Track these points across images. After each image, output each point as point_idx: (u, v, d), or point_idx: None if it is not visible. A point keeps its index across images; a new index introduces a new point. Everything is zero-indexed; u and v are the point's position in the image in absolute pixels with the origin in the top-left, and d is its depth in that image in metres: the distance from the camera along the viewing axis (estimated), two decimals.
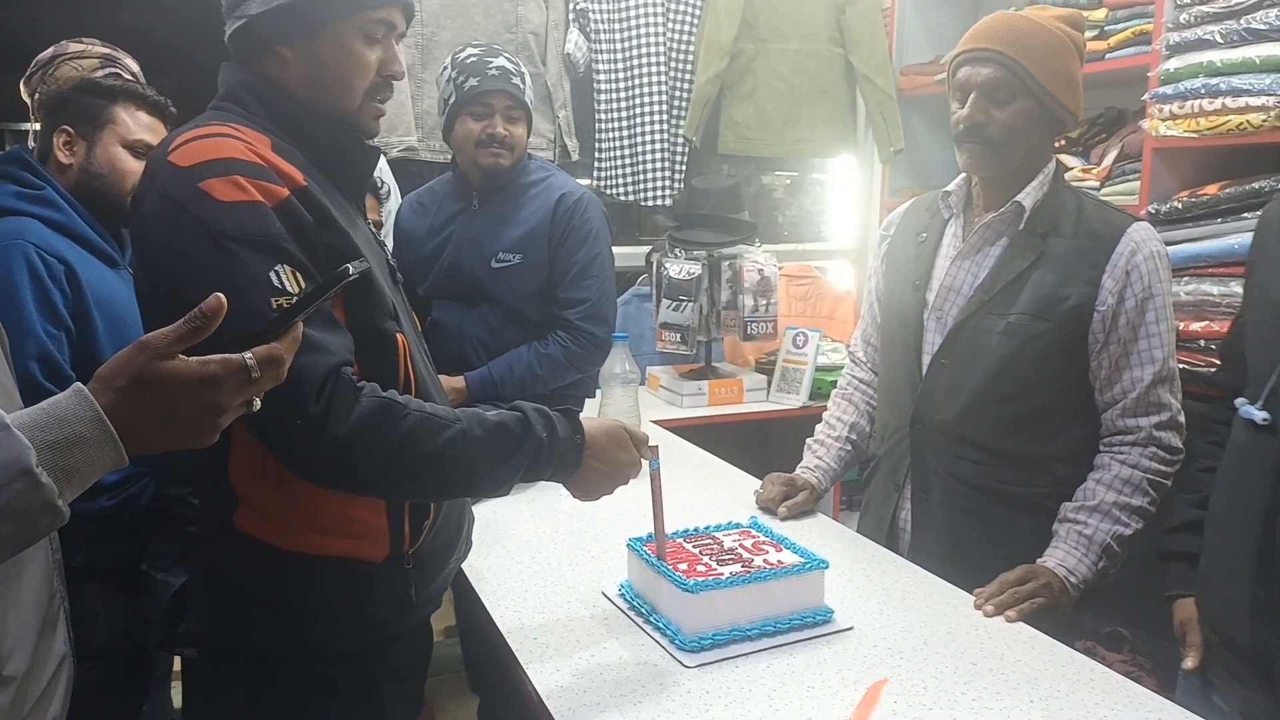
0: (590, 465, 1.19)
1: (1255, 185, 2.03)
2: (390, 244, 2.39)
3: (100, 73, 1.76)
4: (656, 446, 1.30)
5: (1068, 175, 2.52)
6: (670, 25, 3.08)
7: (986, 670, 1.20)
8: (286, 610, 1.11)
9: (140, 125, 1.63)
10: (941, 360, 1.61)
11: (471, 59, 2.03)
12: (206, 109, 1.18)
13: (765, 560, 1.34)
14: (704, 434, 2.53)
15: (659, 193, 3.09)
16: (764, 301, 2.70)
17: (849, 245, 3.55)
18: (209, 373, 0.75)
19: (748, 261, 2.70)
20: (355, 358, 1.08)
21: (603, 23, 3.00)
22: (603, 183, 3.10)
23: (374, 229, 1.31)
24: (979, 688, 1.15)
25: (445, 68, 2.08)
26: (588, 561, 1.54)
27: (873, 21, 3.18)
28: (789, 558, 1.35)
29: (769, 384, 2.87)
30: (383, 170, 2.59)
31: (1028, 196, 1.56)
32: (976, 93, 1.54)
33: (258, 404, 0.81)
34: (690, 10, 3.10)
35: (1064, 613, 1.40)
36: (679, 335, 2.70)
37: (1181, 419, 1.53)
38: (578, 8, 2.96)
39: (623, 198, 3.10)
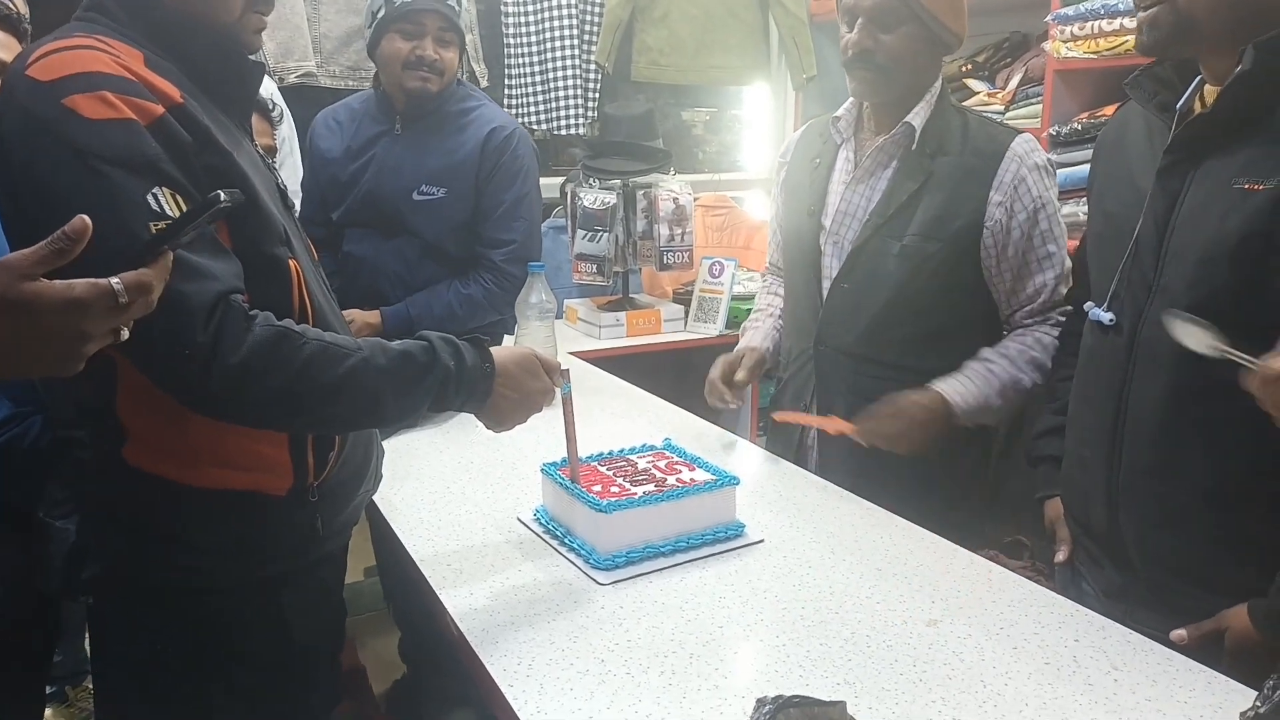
0: (501, 394, 1.17)
1: None
2: (289, 171, 2.29)
3: None
4: (567, 370, 1.30)
5: (973, 100, 2.58)
6: None
7: (891, 575, 1.24)
8: (184, 545, 1.08)
9: (3, 45, 1.51)
10: (841, 284, 1.64)
11: None
12: (70, 20, 1.09)
13: (679, 479, 1.35)
14: (623, 364, 2.54)
15: (572, 121, 3.03)
16: (679, 231, 2.69)
17: (763, 174, 3.55)
18: (74, 296, 0.71)
19: (663, 190, 2.68)
20: (245, 286, 1.04)
21: None
22: (514, 111, 3.02)
23: (263, 153, 1.24)
24: (883, 591, 1.19)
25: None
26: (503, 488, 1.54)
27: None
28: (701, 475, 1.36)
29: (686, 314, 2.88)
30: (273, 94, 2.47)
31: (915, 117, 1.58)
32: (863, 18, 1.54)
33: (125, 333, 0.77)
34: None
35: (936, 435, 1.48)
36: (595, 266, 2.67)
37: None
38: None
39: (535, 126, 3.04)
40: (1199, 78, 1.12)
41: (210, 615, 1.10)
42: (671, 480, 1.34)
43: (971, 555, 1.30)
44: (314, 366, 1.00)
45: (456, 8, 1.94)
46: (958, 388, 1.51)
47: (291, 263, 1.10)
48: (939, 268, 1.56)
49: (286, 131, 2.44)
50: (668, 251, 2.70)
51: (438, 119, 1.99)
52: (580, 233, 2.66)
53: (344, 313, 1.91)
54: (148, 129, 0.96)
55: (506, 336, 2.17)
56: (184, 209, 0.95)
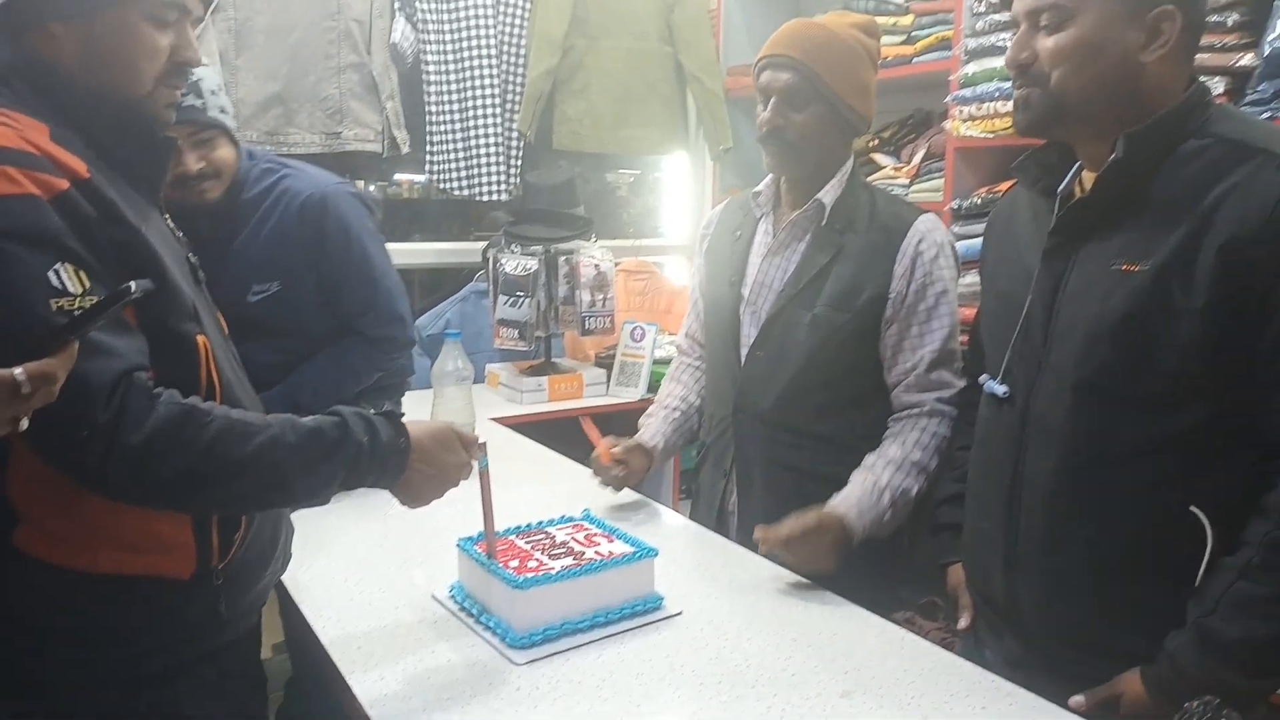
0: (416, 469, 1.16)
1: None
2: None
3: None
4: (485, 444, 1.29)
5: (880, 174, 2.69)
6: (501, 18, 3.04)
7: (806, 645, 1.25)
8: (80, 636, 1.03)
9: None
10: (757, 352, 1.68)
11: None
12: None
13: (597, 552, 1.34)
14: (545, 430, 2.52)
15: (494, 187, 3.05)
16: (601, 296, 2.71)
17: (683, 241, 3.62)
18: None
19: (584, 257, 2.71)
20: (150, 363, 1.01)
21: (430, 13, 2.92)
22: (436, 176, 3.03)
23: (174, 227, 1.22)
24: (799, 662, 1.20)
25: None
26: (418, 565, 1.51)
27: (700, 23, 3.25)
28: (620, 548, 1.36)
29: (608, 378, 2.90)
30: None
31: (826, 194, 1.64)
32: (776, 97, 1.61)
33: (25, 423, 0.75)
34: (520, 3, 3.07)
35: (839, 557, 1.47)
36: (517, 331, 2.67)
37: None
38: None
39: (457, 192, 3.05)
40: (1079, 164, 1.20)
41: (104, 712, 1.05)
42: (590, 553, 1.34)
43: (884, 623, 1.32)
44: (220, 445, 0.98)
45: (200, 102, 1.70)
46: (855, 509, 1.51)
47: (200, 339, 1.08)
48: (848, 338, 1.61)
49: None
50: (589, 317, 2.72)
51: (242, 210, 1.81)
52: (502, 298, 2.66)
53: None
54: (50, 204, 0.94)
55: (410, 394, 2.14)
56: (87, 285, 0.93)
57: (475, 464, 1.27)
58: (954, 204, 2.37)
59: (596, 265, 2.70)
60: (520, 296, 2.64)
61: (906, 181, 2.61)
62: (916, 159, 2.62)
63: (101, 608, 1.02)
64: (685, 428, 1.88)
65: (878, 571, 1.63)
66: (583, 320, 2.71)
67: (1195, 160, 1.07)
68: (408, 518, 1.68)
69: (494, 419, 2.51)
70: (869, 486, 1.54)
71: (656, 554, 1.35)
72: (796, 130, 1.62)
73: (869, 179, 2.72)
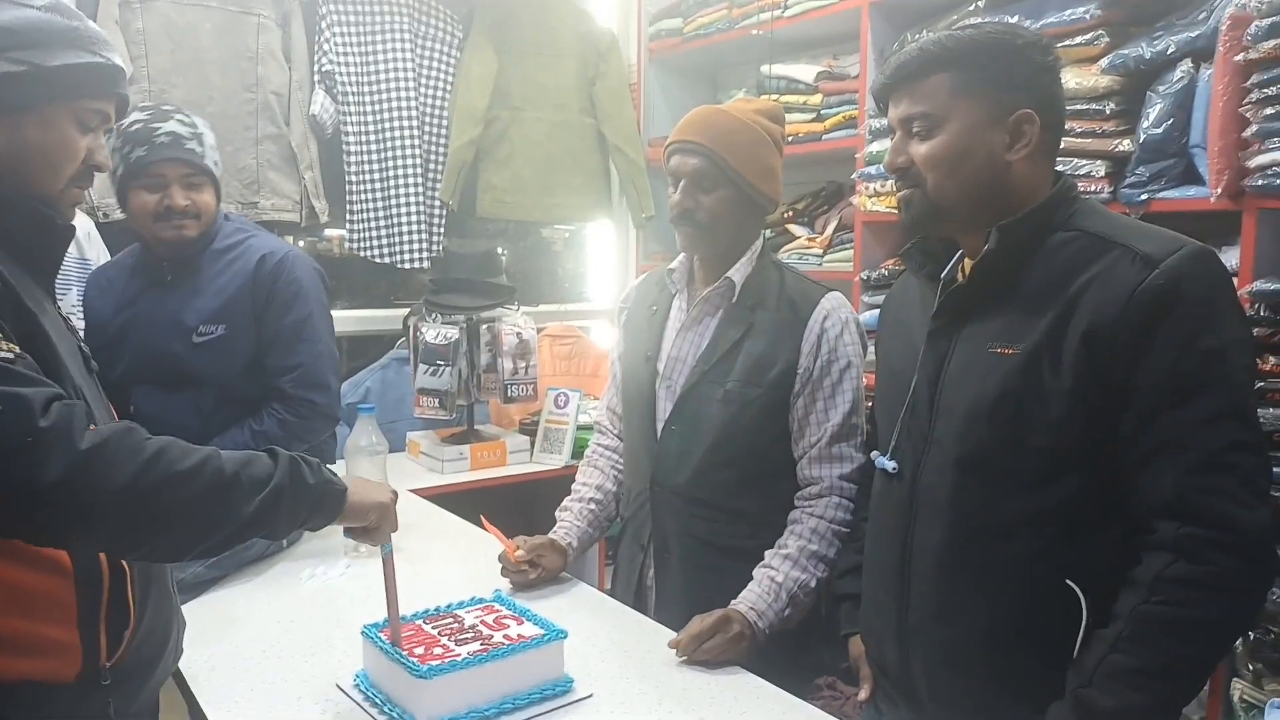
0: (357, 492, 1.17)
1: None
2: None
3: None
4: (389, 532, 1.27)
5: (795, 244, 2.78)
6: (422, 90, 3.08)
7: None
8: None
9: None
10: (672, 427, 1.70)
11: (137, 127, 1.86)
12: None
13: (505, 635, 1.33)
14: (468, 500, 2.49)
15: (415, 254, 3.06)
16: (523, 364, 2.72)
17: (608, 306, 3.66)
18: None
19: (506, 325, 2.71)
20: None
21: (350, 84, 2.95)
22: (356, 243, 3.02)
23: (67, 317, 1.20)
24: None
25: (111, 136, 1.87)
26: (324, 651, 1.47)
27: (620, 95, 3.34)
28: (529, 630, 1.35)
29: (532, 445, 2.89)
30: (90, 231, 2.39)
31: (737, 272, 1.69)
32: (685, 180, 1.67)
33: None
34: (442, 76, 3.12)
35: (750, 650, 1.48)
36: (437, 400, 2.65)
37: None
38: (323, 69, 2.89)
39: (378, 259, 3.04)
40: (960, 251, 1.27)
41: None
42: (498, 637, 1.32)
43: (794, 700, 1.33)
44: (166, 453, 0.97)
45: (200, 148, 1.89)
46: (755, 609, 1.53)
47: (91, 428, 1.05)
48: (759, 413, 1.64)
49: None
50: (512, 384, 2.71)
51: (205, 260, 1.94)
52: (422, 367, 2.64)
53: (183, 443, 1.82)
54: None
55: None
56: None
57: (379, 547, 1.25)
58: (863, 274, 2.45)
59: (519, 333, 2.71)
60: (441, 365, 2.63)
61: (820, 252, 2.70)
62: (829, 230, 2.71)
63: None
64: (602, 517, 1.87)
65: (800, 639, 1.64)
66: (505, 388, 2.70)
67: (1062, 251, 1.14)
68: (316, 597, 1.67)
69: (413, 490, 2.47)
70: (768, 585, 1.56)
71: (565, 636, 1.34)
72: (706, 212, 1.67)
73: (785, 249, 2.83)
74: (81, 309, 2.27)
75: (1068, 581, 1.11)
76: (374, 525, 1.21)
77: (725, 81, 3.31)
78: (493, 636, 1.33)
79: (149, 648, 1.12)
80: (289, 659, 1.44)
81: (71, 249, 2.27)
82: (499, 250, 2.91)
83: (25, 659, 1.00)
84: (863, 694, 1.41)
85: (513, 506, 2.62)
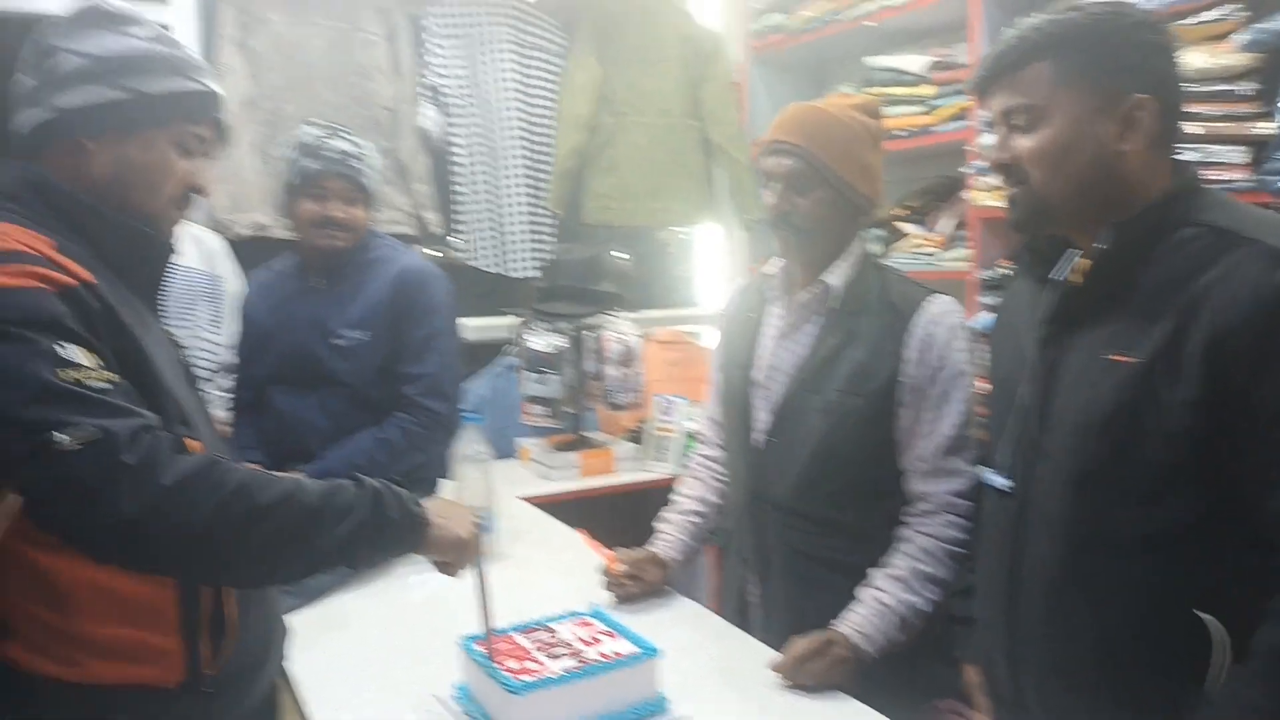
0: (440, 523, 1.16)
1: None
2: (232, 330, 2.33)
3: None
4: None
5: (907, 244, 2.66)
6: (528, 99, 3.12)
7: None
8: None
9: None
10: (771, 438, 1.65)
11: (311, 140, 2.03)
12: None
13: (600, 652, 1.32)
14: (577, 508, 2.51)
15: (525, 263, 3.10)
16: (627, 371, 2.72)
17: (716, 310, 3.61)
18: None
19: (610, 332, 2.72)
20: None
21: (457, 98, 3.01)
22: (468, 254, 3.09)
23: (173, 333, 1.26)
24: None
25: (287, 147, 2.06)
26: (428, 661, 1.48)
27: (725, 97, 3.29)
28: (623, 647, 1.33)
29: (641, 452, 2.88)
30: (213, 257, 2.52)
31: (833, 276, 1.63)
32: (781, 182, 1.61)
33: None
34: (546, 85, 3.15)
35: (854, 673, 1.42)
36: (545, 408, 2.69)
37: None
38: (430, 82, 2.97)
39: (489, 269, 3.10)
40: (1070, 251, 1.17)
41: None
42: (592, 654, 1.31)
43: None
44: (246, 488, 0.99)
45: (360, 167, 2.04)
46: (860, 632, 1.46)
47: (188, 443, 1.09)
48: (861, 424, 1.57)
49: (233, 286, 2.48)
50: (616, 391, 2.72)
51: (353, 269, 2.07)
52: (530, 375, 2.68)
53: (266, 474, 1.90)
54: (57, 295, 0.98)
55: (440, 481, 2.16)
56: (97, 362, 0.97)
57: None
58: (981, 274, 2.33)
59: (622, 340, 2.71)
60: (547, 373, 2.66)
61: (936, 251, 2.58)
62: (947, 227, 2.59)
63: (91, 719, 1.03)
64: (704, 529, 1.83)
65: (908, 661, 1.56)
66: (610, 395, 2.71)
67: (1184, 248, 1.04)
68: (423, 606, 1.70)
69: (523, 497, 2.50)
70: (876, 607, 1.48)
71: (658, 654, 1.32)
72: (802, 214, 1.61)
73: (896, 248, 2.72)
74: (212, 322, 2.40)
75: (1196, 611, 1.02)
76: (452, 560, 1.21)
77: (831, 76, 3.22)
78: (586, 653, 1.31)
79: (249, 657, 1.16)
80: (393, 667, 1.47)
81: (197, 264, 2.43)
82: (619, 255, 2.91)
83: (131, 665, 1.05)
84: None
85: (621, 514, 2.63)
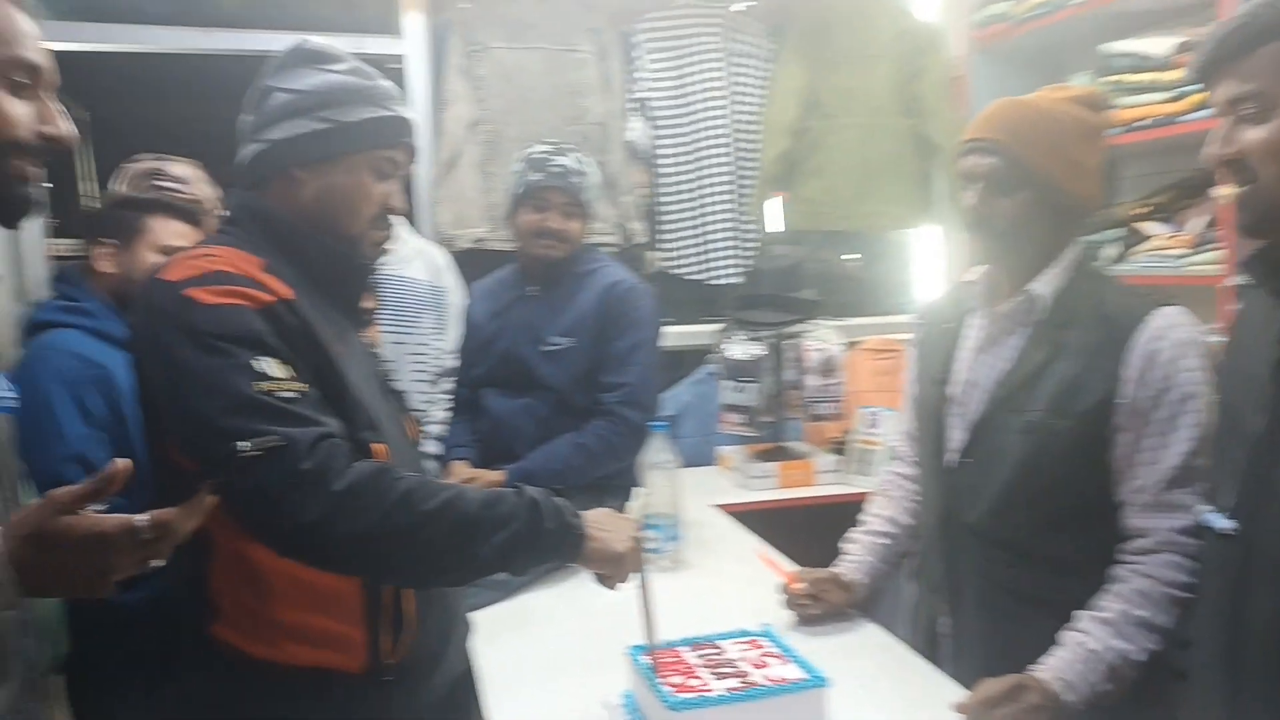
0: (597, 537, 1.18)
1: None
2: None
3: (143, 183, 1.94)
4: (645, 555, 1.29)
5: (1150, 244, 2.39)
6: (734, 107, 3.11)
7: None
8: None
9: (171, 232, 1.77)
10: (965, 459, 1.53)
11: (540, 155, 2.15)
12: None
13: (766, 675, 1.28)
14: (773, 519, 2.47)
15: (726, 270, 3.09)
16: (828, 381, 2.64)
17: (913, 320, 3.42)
18: (100, 531, 0.81)
19: (810, 340, 2.65)
20: None
21: (665, 110, 3.06)
22: (671, 262, 3.13)
23: (371, 343, 1.37)
24: None
25: (517, 160, 2.20)
26: (607, 666, 1.49)
27: (943, 92, 3.12)
28: (791, 673, 1.28)
29: (842, 465, 2.78)
30: (439, 270, 2.69)
31: (1042, 284, 1.48)
32: (981, 183, 1.49)
33: (157, 563, 0.85)
34: (754, 92, 3.13)
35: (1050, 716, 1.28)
36: (743, 417, 2.66)
37: None
38: (638, 96, 3.03)
39: (690, 276, 3.12)
40: None
41: None
42: (757, 676, 1.27)
43: None
44: (411, 496, 1.05)
45: (581, 184, 2.13)
46: (1064, 678, 1.32)
47: (379, 447, 1.18)
48: (1068, 448, 1.42)
49: (455, 296, 2.66)
50: (817, 402, 2.65)
51: (567, 279, 2.17)
52: (728, 383, 2.67)
53: (471, 471, 2.02)
54: (257, 312, 1.08)
55: (634, 489, 2.19)
56: (291, 374, 1.06)
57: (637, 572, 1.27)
58: (1238, 279, 2.04)
59: (823, 349, 2.63)
60: (746, 382, 2.63)
61: (1181, 253, 2.30)
62: (1195, 227, 2.30)
63: (282, 696, 1.13)
64: (894, 552, 1.74)
65: (1115, 716, 1.40)
66: (809, 406, 2.64)
67: None
68: (614, 609, 1.71)
69: (717, 505, 2.49)
70: (1080, 653, 1.33)
71: (826, 683, 1.26)
72: (1003, 218, 1.49)
73: (1134, 250, 2.45)
74: (436, 330, 2.58)
75: None
76: (610, 574, 1.22)
77: (1062, 67, 2.95)
78: (751, 674, 1.28)
79: (427, 649, 1.23)
80: (573, 670, 1.51)
81: (425, 277, 2.61)
82: (850, 257, 2.83)
83: (320, 649, 1.14)
84: None
85: (819, 528, 2.54)
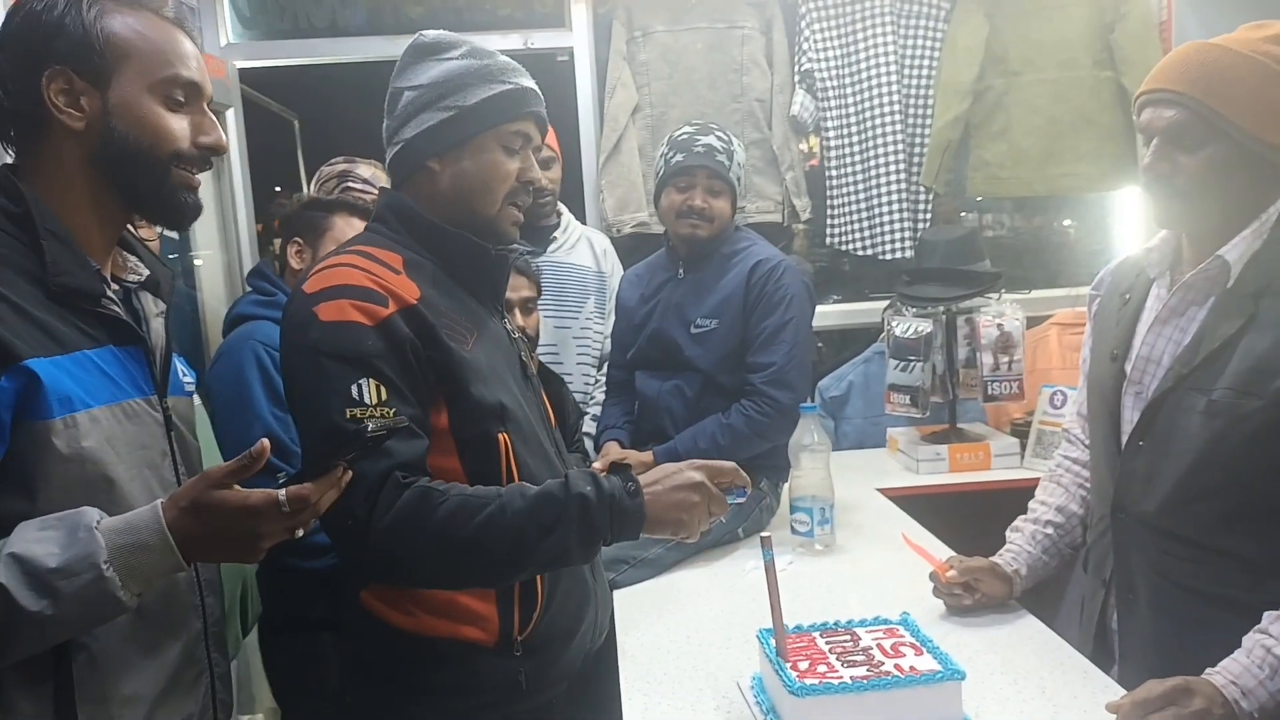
0: (656, 508, 1.18)
1: None
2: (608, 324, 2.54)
3: (333, 185, 2.09)
4: (769, 537, 1.27)
5: None
6: (905, 72, 2.96)
7: None
8: (407, 689, 1.22)
9: (354, 230, 1.90)
10: (1138, 442, 1.39)
11: (683, 136, 2.15)
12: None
13: (897, 665, 1.23)
14: (943, 505, 2.35)
15: (896, 245, 2.96)
16: (1006, 359, 2.47)
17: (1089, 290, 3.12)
18: (249, 504, 0.90)
19: (984, 316, 2.49)
20: (459, 458, 1.20)
21: (831, 79, 2.96)
22: (836, 238, 3.03)
23: (512, 330, 1.42)
24: None
25: (662, 143, 2.21)
26: (739, 647, 1.51)
27: (1146, 39, 2.83)
28: (925, 664, 1.23)
29: (1022, 449, 2.60)
30: (606, 249, 2.73)
31: (1233, 250, 1.32)
32: (1159, 138, 1.34)
33: (300, 532, 0.94)
34: (927, 54, 2.96)
35: None
36: (909, 397, 2.55)
37: None
38: (803, 69, 2.95)
39: (859, 251, 3.02)
40: None
41: None
42: (888, 665, 1.23)
43: None
44: (454, 520, 1.10)
45: (728, 162, 2.10)
46: (1239, 683, 1.17)
47: (501, 437, 1.22)
48: (1259, 430, 1.26)
49: (616, 281, 2.71)
50: (993, 381, 2.49)
51: (714, 261, 2.16)
52: (893, 362, 2.56)
53: (622, 452, 2.05)
54: (373, 329, 1.14)
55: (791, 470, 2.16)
56: (383, 398, 1.12)
57: (763, 554, 1.25)
58: None
59: (999, 324, 2.47)
60: (911, 360, 2.51)
61: None
62: None
63: (422, 665, 1.21)
64: (1062, 544, 1.61)
65: None
66: (985, 385, 2.49)
67: None
68: (753, 590, 1.71)
69: (881, 489, 2.40)
70: (1260, 655, 1.19)
71: (963, 677, 1.19)
72: (1187, 176, 1.33)
73: None
74: (599, 314, 2.64)
75: None
76: (685, 528, 1.20)
77: None
78: (883, 664, 1.23)
79: (557, 627, 1.27)
80: (707, 649, 1.51)
81: (590, 264, 2.67)
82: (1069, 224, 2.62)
83: (456, 623, 1.21)
84: None
85: (996, 515, 2.39)
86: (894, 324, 2.57)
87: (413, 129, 1.27)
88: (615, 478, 1.18)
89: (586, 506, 1.13)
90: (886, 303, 2.81)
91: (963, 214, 2.83)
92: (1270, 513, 1.28)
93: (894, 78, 2.94)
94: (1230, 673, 1.19)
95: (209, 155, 1.09)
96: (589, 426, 2.42)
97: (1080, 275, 3.25)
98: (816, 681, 1.19)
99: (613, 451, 2.11)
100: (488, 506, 1.12)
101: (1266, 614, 1.23)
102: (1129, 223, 3.23)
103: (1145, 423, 1.39)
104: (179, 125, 1.06)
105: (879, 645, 1.29)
